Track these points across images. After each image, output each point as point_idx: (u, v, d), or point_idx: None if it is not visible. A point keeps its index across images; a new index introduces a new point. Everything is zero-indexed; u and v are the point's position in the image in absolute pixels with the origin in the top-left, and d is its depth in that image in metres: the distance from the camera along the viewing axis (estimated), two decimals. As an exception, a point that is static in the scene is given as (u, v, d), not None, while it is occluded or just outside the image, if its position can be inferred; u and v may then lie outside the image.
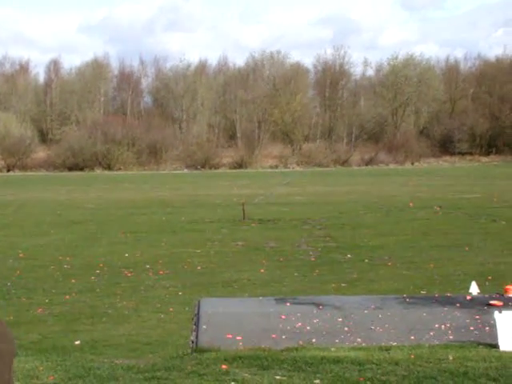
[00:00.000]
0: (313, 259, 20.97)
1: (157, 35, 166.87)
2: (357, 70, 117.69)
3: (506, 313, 9.61)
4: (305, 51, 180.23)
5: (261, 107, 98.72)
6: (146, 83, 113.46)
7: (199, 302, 11.49)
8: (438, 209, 34.94)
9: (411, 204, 37.56)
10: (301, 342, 9.40)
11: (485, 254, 21.31)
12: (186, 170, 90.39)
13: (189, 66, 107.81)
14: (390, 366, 8.17)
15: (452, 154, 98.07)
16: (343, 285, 16.64)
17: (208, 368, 8.07)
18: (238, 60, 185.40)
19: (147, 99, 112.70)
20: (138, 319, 13.42)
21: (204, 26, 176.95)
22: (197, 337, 9.81)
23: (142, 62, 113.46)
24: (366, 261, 20.42)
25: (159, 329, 12.51)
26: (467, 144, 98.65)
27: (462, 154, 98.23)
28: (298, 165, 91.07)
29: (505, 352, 9.14)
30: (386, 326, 10.21)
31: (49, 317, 13.84)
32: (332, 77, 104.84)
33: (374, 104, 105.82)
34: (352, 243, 24.04)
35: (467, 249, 22.37)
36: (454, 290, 14.39)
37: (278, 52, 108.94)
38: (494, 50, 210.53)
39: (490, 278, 16.99)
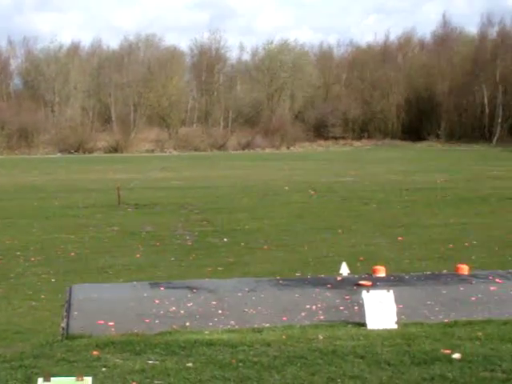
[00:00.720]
0: (189, 243, 20.99)
1: (26, 15, 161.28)
2: (233, 55, 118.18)
3: (373, 292, 9.93)
4: (181, 35, 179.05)
5: (136, 91, 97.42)
6: (15, 64, 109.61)
7: (71, 288, 11.28)
8: (313, 192, 35.63)
9: (287, 188, 38.13)
10: (174, 326, 9.40)
11: (357, 235, 21.94)
12: (59, 155, 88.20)
13: (60, 47, 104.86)
14: (262, 347, 8.30)
15: (326, 138, 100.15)
16: (219, 268, 16.73)
17: (79, 355, 7.95)
18: (113, 42, 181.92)
19: (17, 81, 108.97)
20: (8, 307, 13.04)
21: (76, 7, 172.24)
22: (68, 323, 9.63)
23: (10, 43, 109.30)
24: (243, 244, 20.61)
25: (30, 316, 12.20)
26: (340, 128, 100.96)
27: (335, 138, 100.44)
28: (175, 149, 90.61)
29: (372, 330, 9.45)
30: (259, 308, 10.34)
31: None
32: (208, 61, 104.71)
33: (250, 88, 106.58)
34: (229, 227, 24.21)
35: (340, 231, 22.95)
36: (327, 272, 14.72)
37: (154, 35, 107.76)
38: (365, 37, 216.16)
39: (361, 258, 17.50)
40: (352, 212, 27.97)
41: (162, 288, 11.54)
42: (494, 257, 17.91)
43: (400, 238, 21.15)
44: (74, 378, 5.92)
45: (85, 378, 5.87)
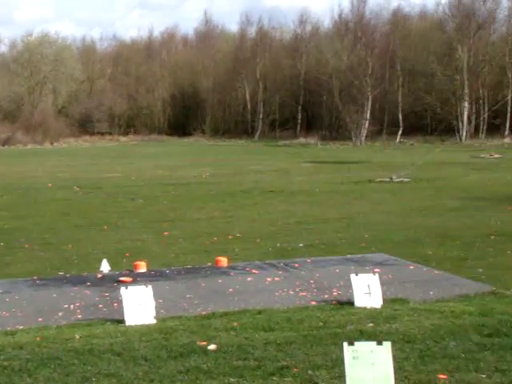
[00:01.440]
0: None
1: None
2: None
3: (131, 288, 9.88)
4: None
5: None
6: None
7: None
8: (78, 189, 34.91)
9: (50, 185, 37.07)
10: None
11: (123, 231, 21.78)
12: None
13: None
14: (14, 351, 7.98)
15: (92, 133, 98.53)
16: (-24, 271, 15.91)
17: None
18: None
19: None
20: None
21: None
22: None
23: None
24: (2, 244, 19.74)
25: None
26: (106, 124, 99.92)
27: (101, 133, 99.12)
28: None
29: (130, 326, 9.41)
30: (13, 310, 9.94)
31: None
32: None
33: (9, 82, 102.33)
34: (-14, 227, 23.09)
35: (106, 227, 22.67)
36: (91, 269, 14.47)
37: None
38: (130, 32, 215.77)
39: (127, 254, 17.39)
40: (118, 208, 27.75)
41: None
42: (255, 248, 18.55)
43: (166, 233, 21.30)
44: None
45: None
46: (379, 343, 6.34)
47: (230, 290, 11.70)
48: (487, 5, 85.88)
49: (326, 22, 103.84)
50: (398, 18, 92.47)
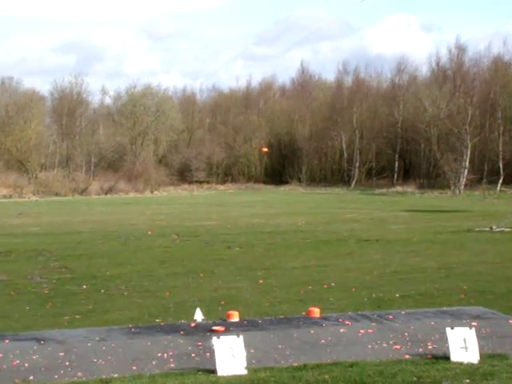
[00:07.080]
0: (46, 292, 20.36)
1: None
2: (95, 99, 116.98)
3: (223, 338, 9.92)
4: (46, 78, 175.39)
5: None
6: None
7: None
8: (176, 237, 35.47)
9: (149, 232, 37.80)
10: (17, 381, 9.02)
11: (219, 279, 21.94)
12: None
13: None
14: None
15: (190, 182, 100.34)
16: (77, 316, 16.29)
17: None
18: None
19: None
20: None
21: None
22: None
23: None
24: (103, 291, 20.19)
25: None
26: (204, 172, 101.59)
27: (199, 182, 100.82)
28: (35, 194, 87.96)
29: (221, 377, 9.42)
30: (109, 357, 10.09)
31: None
32: (69, 105, 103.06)
33: (113, 133, 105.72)
34: (88, 273, 23.67)
35: (202, 275, 22.89)
36: (187, 317, 14.58)
37: (10, 78, 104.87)
38: (232, 82, 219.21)
39: (223, 302, 17.49)
40: (214, 256, 28.02)
41: (7, 340, 11.05)
42: (350, 298, 18.35)
43: (261, 281, 21.32)
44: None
45: None
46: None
47: (322, 341, 11.55)
48: None
49: (424, 71, 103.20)
50: (499, 66, 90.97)
